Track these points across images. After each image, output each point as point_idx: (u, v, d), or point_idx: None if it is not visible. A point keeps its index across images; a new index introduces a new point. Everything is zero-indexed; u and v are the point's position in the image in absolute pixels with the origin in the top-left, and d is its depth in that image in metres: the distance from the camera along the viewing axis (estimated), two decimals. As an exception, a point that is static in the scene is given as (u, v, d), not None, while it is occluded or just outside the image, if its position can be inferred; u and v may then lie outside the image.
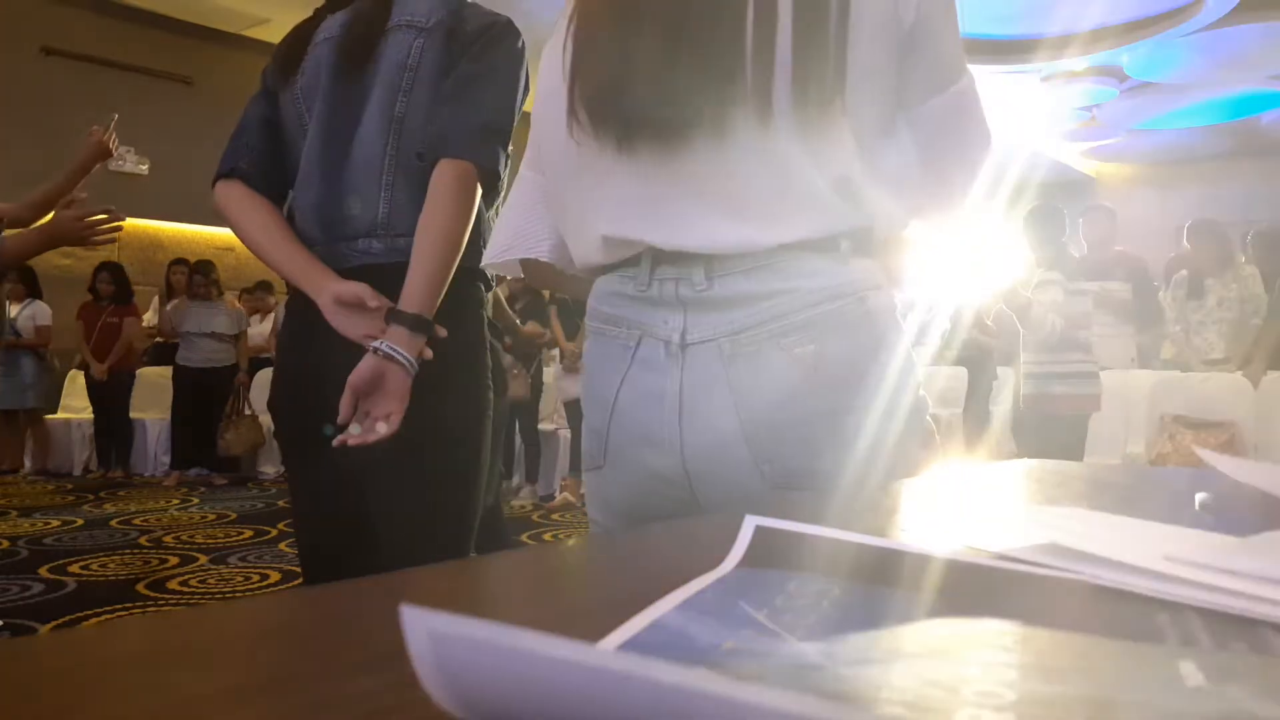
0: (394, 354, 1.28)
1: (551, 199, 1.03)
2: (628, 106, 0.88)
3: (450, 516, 1.44)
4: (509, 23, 1.46)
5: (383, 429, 1.27)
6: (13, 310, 6.58)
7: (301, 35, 1.50)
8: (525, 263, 1.09)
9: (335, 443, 1.28)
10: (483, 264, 1.13)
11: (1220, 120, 10.27)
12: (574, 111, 0.93)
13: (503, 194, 1.53)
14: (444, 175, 1.35)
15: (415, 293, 1.31)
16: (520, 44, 1.46)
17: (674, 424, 0.89)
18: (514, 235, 1.06)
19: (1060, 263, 3.74)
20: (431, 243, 1.33)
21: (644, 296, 0.92)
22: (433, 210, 1.34)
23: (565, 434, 5.58)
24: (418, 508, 1.42)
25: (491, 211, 1.50)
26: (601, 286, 0.98)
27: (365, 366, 1.28)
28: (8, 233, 2.24)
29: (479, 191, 1.38)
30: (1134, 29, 7.72)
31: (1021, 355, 3.75)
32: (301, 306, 1.42)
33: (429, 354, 1.32)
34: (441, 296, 1.34)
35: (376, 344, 1.28)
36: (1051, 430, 3.63)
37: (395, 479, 1.42)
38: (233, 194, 1.43)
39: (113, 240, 2.18)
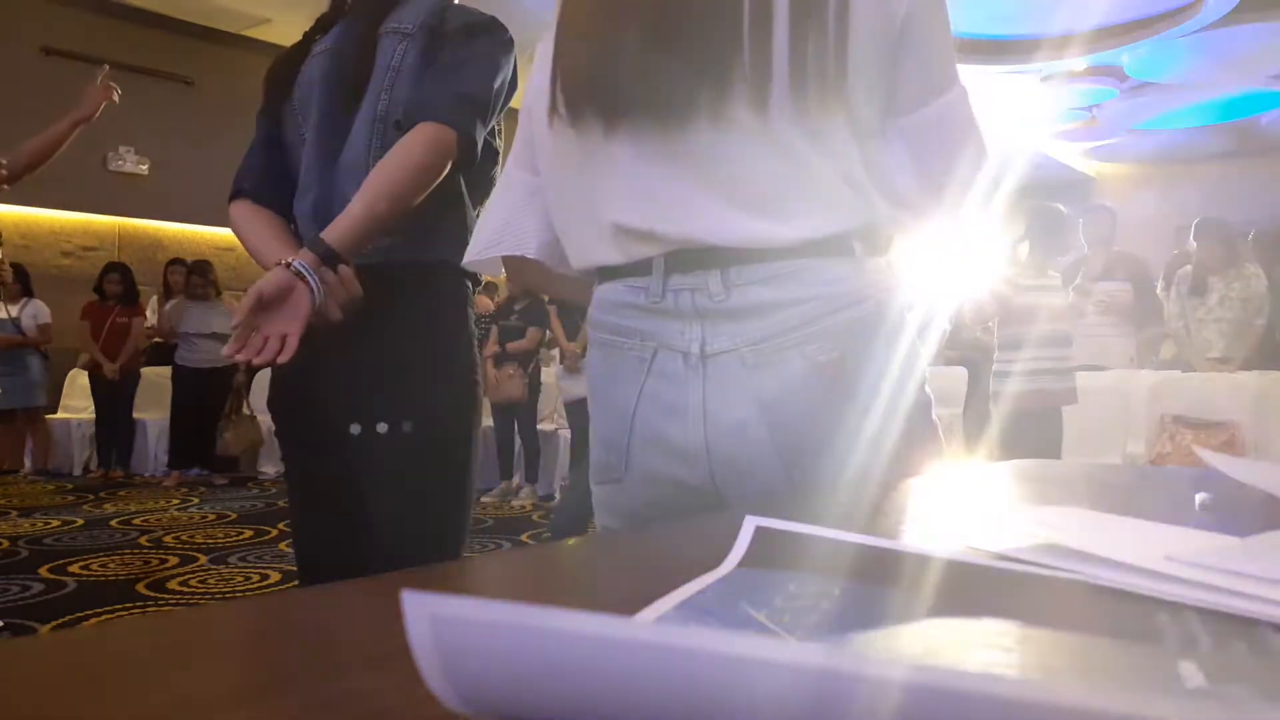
0: (304, 271, 1.23)
1: (549, 196, 1.02)
2: (614, 90, 0.89)
3: (443, 511, 1.45)
4: (494, 20, 1.46)
5: (283, 356, 1.22)
6: (13, 310, 6.58)
7: (293, 56, 1.53)
8: (509, 262, 1.08)
9: (225, 353, 1.23)
10: (464, 261, 1.11)
11: (1220, 120, 10.27)
12: (554, 100, 0.93)
13: (494, 188, 1.53)
14: (416, 133, 1.32)
15: (335, 228, 1.27)
16: (506, 36, 1.46)
17: (699, 435, 0.89)
18: (499, 232, 1.05)
19: (1049, 261, 3.80)
20: (373, 187, 1.29)
21: (657, 308, 0.91)
22: (389, 159, 1.31)
23: (565, 434, 5.57)
24: (412, 503, 1.43)
25: (482, 207, 1.50)
26: (607, 296, 0.96)
27: (275, 276, 1.23)
28: None
29: (449, 159, 1.34)
30: (1134, 29, 7.72)
31: (1002, 352, 3.77)
32: None
33: (334, 306, 1.25)
34: (365, 240, 1.28)
35: (289, 260, 1.24)
36: (1038, 426, 3.67)
37: (392, 476, 1.43)
38: (240, 212, 1.46)
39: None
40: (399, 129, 1.36)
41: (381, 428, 1.41)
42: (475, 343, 1.50)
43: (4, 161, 2.25)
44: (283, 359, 1.23)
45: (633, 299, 0.93)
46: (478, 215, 1.49)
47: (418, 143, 1.32)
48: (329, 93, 1.44)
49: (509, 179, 1.07)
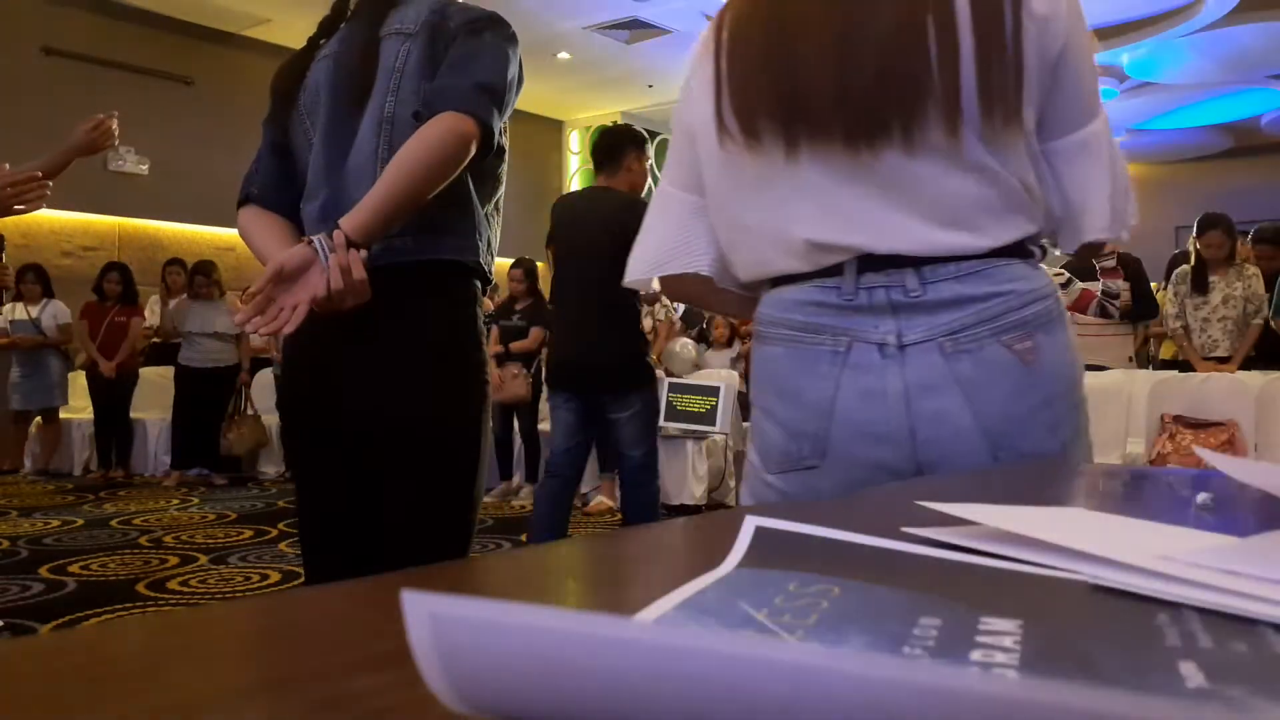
0: (320, 248, 1.28)
1: (719, 214, 1.05)
2: (799, 113, 0.94)
3: (450, 510, 1.46)
4: (496, 15, 1.48)
5: (289, 325, 1.27)
6: (32, 310, 6.60)
7: (298, 62, 1.54)
8: (667, 279, 1.12)
9: (238, 321, 1.29)
10: (628, 279, 1.13)
11: (1220, 120, 10.27)
12: (722, 120, 0.98)
13: (501, 187, 1.53)
14: (436, 122, 1.33)
15: (354, 216, 1.30)
16: (510, 31, 1.48)
17: (903, 420, 0.94)
18: (669, 250, 1.09)
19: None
20: (393, 174, 1.31)
21: (850, 305, 0.96)
22: (409, 147, 1.32)
23: (565, 434, 5.56)
24: (421, 500, 1.44)
25: (490, 206, 1.51)
26: (790, 296, 1.00)
27: (298, 251, 1.29)
28: None
29: (470, 147, 1.35)
30: (1134, 29, 7.72)
31: None
32: None
33: (338, 276, 1.27)
34: (390, 222, 1.31)
35: (311, 238, 1.29)
36: None
37: (399, 475, 1.43)
38: (246, 217, 1.48)
39: (39, 205, 2.11)
40: (417, 119, 1.36)
41: (390, 426, 1.41)
42: (484, 342, 1.50)
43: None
44: (289, 328, 1.28)
45: (823, 297, 0.97)
46: (486, 215, 1.49)
47: (438, 131, 1.32)
48: (334, 97, 1.46)
49: (669, 198, 1.10)
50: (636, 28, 8.92)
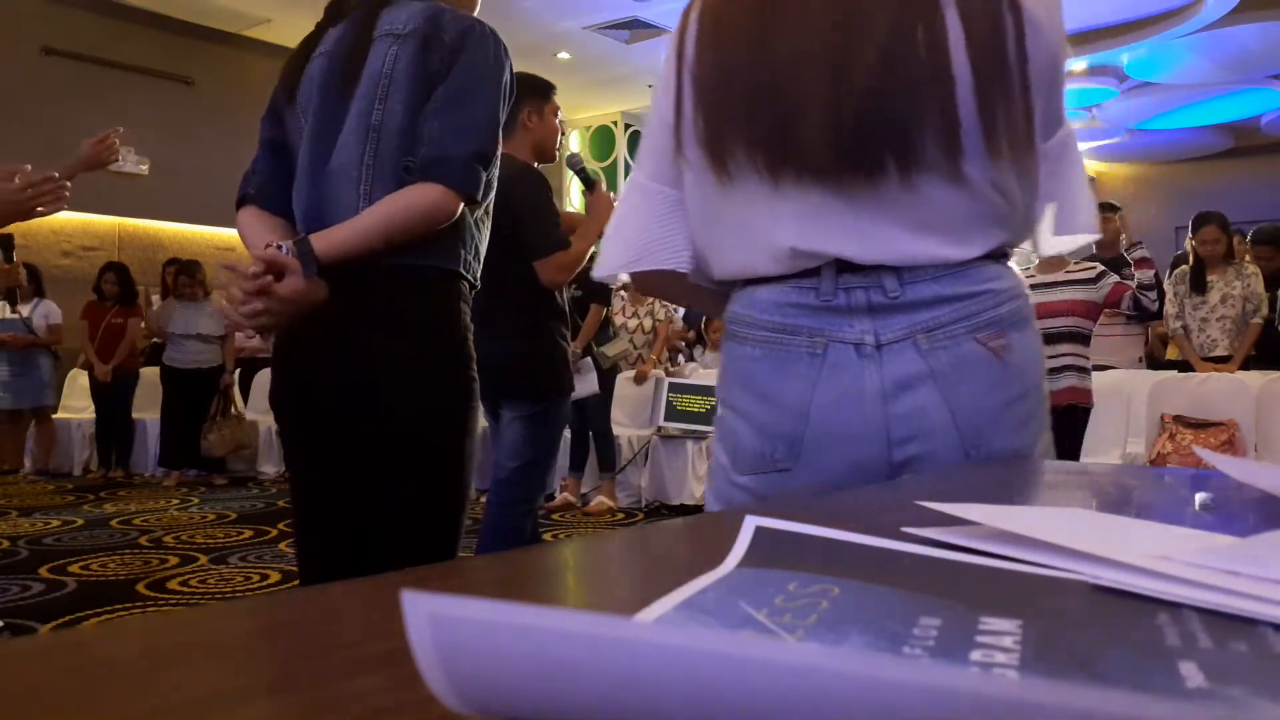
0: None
1: (695, 213, 1.04)
2: (787, 146, 0.92)
3: (438, 506, 1.46)
4: (484, 27, 1.48)
5: (262, 319, 1.34)
6: (24, 310, 6.59)
7: (302, 53, 1.55)
8: (643, 273, 1.10)
9: (226, 325, 1.37)
10: (600, 273, 1.12)
11: (1220, 120, 10.27)
12: (723, 154, 0.96)
13: (491, 193, 1.54)
14: (430, 192, 1.38)
15: (328, 238, 1.36)
16: (503, 50, 1.49)
17: (880, 418, 0.94)
18: (646, 245, 1.07)
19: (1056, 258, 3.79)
20: (378, 223, 1.36)
21: (828, 306, 0.96)
22: (399, 203, 1.37)
23: (564, 434, 5.58)
24: (406, 498, 1.45)
25: (480, 212, 1.52)
26: (766, 296, 0.99)
27: (269, 260, 1.34)
28: None
29: (452, 218, 1.42)
30: (1134, 29, 7.72)
31: None
32: None
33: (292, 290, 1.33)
34: (349, 253, 1.36)
35: (279, 243, 1.34)
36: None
37: (386, 472, 1.44)
38: (245, 218, 1.50)
39: (60, 207, 2.11)
40: (409, 173, 1.40)
41: (375, 424, 1.42)
42: (470, 339, 1.50)
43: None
44: (256, 329, 1.38)
45: (800, 299, 0.97)
46: (475, 221, 1.50)
47: (427, 204, 1.38)
48: (324, 95, 1.46)
49: (645, 191, 1.08)
50: (636, 28, 8.92)
